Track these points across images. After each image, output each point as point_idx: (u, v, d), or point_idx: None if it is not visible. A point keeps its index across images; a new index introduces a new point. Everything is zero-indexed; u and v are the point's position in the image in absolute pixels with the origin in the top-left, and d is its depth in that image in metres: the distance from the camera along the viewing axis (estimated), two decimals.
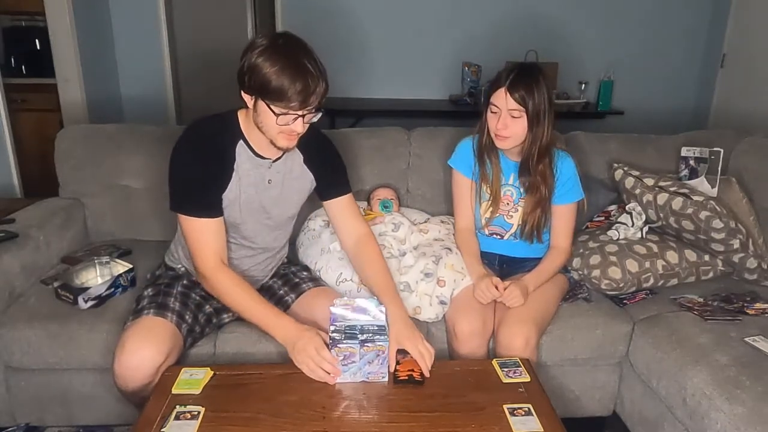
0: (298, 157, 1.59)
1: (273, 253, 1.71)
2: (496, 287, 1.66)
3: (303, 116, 1.38)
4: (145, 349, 1.40)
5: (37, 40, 4.02)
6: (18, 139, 3.17)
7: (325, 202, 1.69)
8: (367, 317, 1.43)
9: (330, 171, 1.66)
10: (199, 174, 1.45)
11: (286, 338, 1.42)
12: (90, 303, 1.69)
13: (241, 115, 1.50)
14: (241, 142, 1.49)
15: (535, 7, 4.12)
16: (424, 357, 1.40)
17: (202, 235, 1.47)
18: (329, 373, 1.34)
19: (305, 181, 1.63)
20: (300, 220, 2.08)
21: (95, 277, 1.80)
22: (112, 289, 1.75)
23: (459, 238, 1.88)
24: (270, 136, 1.42)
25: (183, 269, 1.68)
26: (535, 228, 1.78)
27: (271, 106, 1.35)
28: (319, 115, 1.41)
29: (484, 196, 1.83)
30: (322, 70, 1.37)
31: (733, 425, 1.35)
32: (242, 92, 1.39)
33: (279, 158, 1.54)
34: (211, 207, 1.47)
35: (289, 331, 1.42)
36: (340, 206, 1.68)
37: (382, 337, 1.35)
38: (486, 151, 1.78)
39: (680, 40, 4.26)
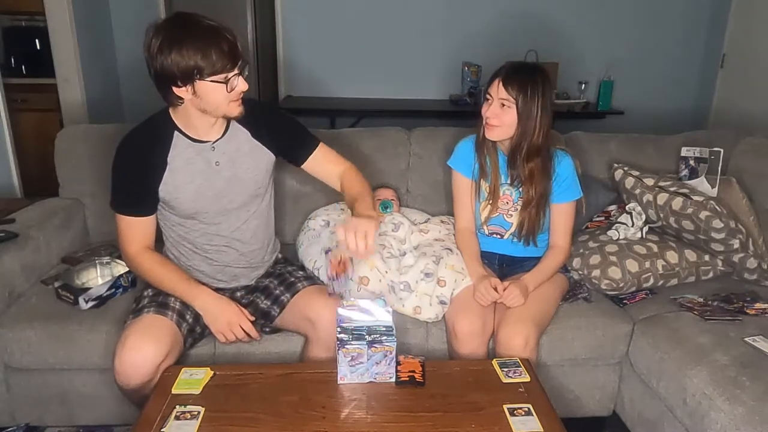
0: (243, 133, 1.59)
1: (258, 246, 1.70)
2: (496, 289, 1.66)
3: (240, 72, 1.40)
4: (145, 347, 1.41)
5: (37, 40, 4.02)
6: (18, 139, 3.17)
7: (302, 166, 1.69)
8: (373, 318, 1.43)
9: (287, 135, 1.66)
10: (128, 177, 1.51)
11: (205, 307, 1.53)
12: (91, 303, 1.69)
13: (172, 111, 1.51)
14: (176, 133, 1.51)
15: (535, 7, 4.12)
16: (349, 238, 1.39)
17: (130, 229, 1.55)
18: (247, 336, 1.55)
19: (259, 155, 1.62)
20: (300, 219, 2.10)
21: (96, 278, 1.81)
22: (113, 290, 1.75)
23: (459, 239, 1.88)
24: (222, 111, 1.45)
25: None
26: (531, 230, 1.78)
27: (215, 79, 1.36)
28: (247, 65, 1.45)
29: (483, 194, 1.83)
30: (223, 23, 1.39)
31: (733, 425, 1.35)
32: (174, 90, 1.38)
33: (219, 139, 1.55)
34: (140, 206, 1.54)
35: (207, 300, 1.53)
36: (317, 161, 1.69)
37: (390, 338, 1.36)
38: (485, 147, 1.78)
39: (680, 40, 4.26)
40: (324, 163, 1.69)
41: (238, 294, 1.71)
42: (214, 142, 1.54)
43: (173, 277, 1.55)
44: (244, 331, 1.54)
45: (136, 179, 1.50)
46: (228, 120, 1.54)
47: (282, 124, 1.67)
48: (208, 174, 1.54)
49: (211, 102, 1.41)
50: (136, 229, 1.55)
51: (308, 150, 1.67)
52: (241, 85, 1.41)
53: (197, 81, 1.36)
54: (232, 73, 1.38)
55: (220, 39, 1.34)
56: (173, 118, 1.51)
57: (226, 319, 1.52)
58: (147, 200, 1.53)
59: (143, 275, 1.58)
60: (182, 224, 1.60)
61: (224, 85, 1.38)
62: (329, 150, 1.71)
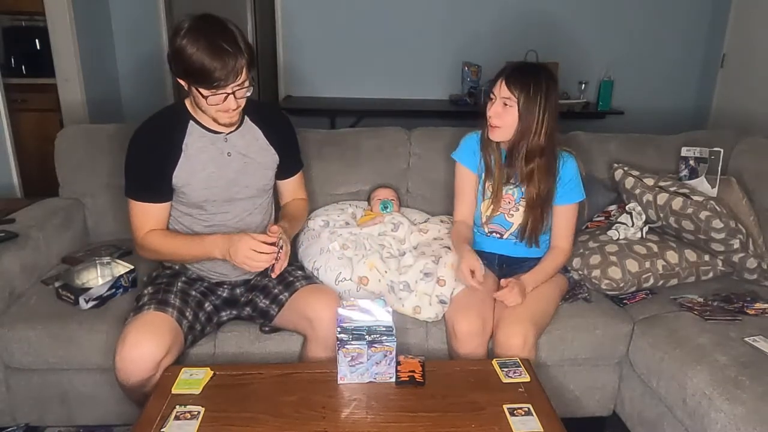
0: (256, 131, 1.65)
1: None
2: (473, 273, 1.63)
3: (233, 93, 1.43)
4: (145, 343, 1.42)
5: (37, 40, 4.01)
6: (18, 139, 3.17)
7: (279, 182, 1.77)
8: (373, 318, 1.43)
9: (288, 150, 1.73)
10: (145, 162, 1.54)
11: (223, 250, 1.49)
12: (91, 303, 1.69)
13: (188, 101, 1.58)
14: (191, 122, 1.57)
15: (536, 7, 4.12)
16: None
17: (143, 216, 1.58)
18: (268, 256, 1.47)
19: (267, 154, 1.68)
20: None
21: (96, 278, 1.80)
22: (113, 290, 1.75)
23: (453, 229, 1.87)
24: (210, 115, 1.50)
25: (178, 266, 1.70)
26: (534, 231, 1.78)
27: (199, 89, 1.41)
28: (251, 89, 1.47)
29: (486, 193, 1.83)
30: (241, 47, 1.40)
31: (733, 425, 1.35)
32: (178, 78, 1.45)
33: (233, 131, 1.59)
34: (155, 192, 1.57)
35: (220, 243, 1.50)
36: (293, 185, 1.82)
37: (390, 338, 1.36)
38: (489, 145, 1.78)
39: (680, 40, 4.26)
40: (291, 183, 1.81)
41: (237, 291, 1.72)
42: (228, 134, 1.59)
43: (182, 242, 1.58)
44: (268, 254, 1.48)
45: (152, 164, 1.54)
46: (243, 115, 1.59)
47: (289, 137, 1.76)
48: (219, 163, 1.58)
49: (199, 103, 1.47)
50: (148, 216, 1.58)
51: (293, 171, 1.80)
52: (229, 104, 1.44)
53: (188, 82, 1.43)
54: (220, 91, 1.41)
55: (216, 59, 1.35)
56: (189, 108, 1.57)
57: (243, 254, 1.46)
58: (162, 186, 1.56)
59: (155, 254, 1.60)
60: (189, 214, 1.62)
61: (208, 96, 1.42)
62: (301, 177, 1.85)
